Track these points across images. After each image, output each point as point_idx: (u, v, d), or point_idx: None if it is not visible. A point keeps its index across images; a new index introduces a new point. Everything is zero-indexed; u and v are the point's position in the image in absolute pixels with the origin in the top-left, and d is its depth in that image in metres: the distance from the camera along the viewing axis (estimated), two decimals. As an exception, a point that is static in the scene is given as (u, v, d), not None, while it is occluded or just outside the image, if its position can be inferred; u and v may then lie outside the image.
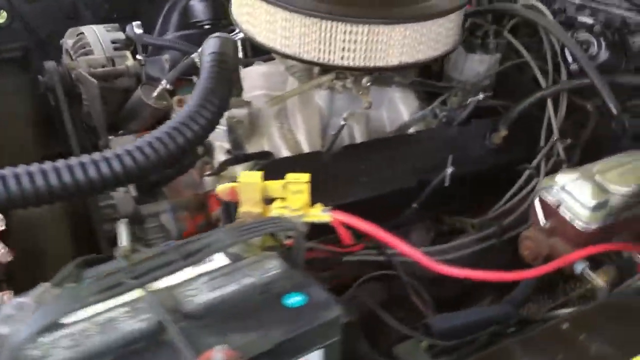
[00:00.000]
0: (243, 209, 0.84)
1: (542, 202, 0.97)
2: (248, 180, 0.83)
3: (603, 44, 1.20)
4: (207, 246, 0.69)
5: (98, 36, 1.40)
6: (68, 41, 1.43)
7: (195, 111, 0.96)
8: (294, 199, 0.83)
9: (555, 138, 1.23)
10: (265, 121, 1.27)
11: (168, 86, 1.33)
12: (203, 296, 0.71)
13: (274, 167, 1.10)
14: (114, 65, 1.38)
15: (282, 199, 0.83)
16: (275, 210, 0.81)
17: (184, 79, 1.39)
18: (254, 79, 1.36)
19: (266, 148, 1.24)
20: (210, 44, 1.11)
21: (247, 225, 0.73)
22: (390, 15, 1.08)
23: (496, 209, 1.23)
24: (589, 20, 1.27)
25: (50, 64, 1.35)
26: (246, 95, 1.32)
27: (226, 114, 1.22)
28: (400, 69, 1.17)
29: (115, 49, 1.39)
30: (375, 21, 1.06)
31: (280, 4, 1.08)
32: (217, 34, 1.15)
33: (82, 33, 1.41)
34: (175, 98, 1.34)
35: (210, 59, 1.07)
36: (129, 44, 1.40)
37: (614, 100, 1.10)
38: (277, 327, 0.70)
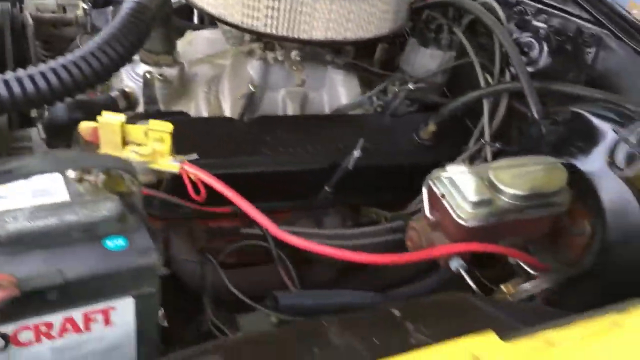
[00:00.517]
0: (102, 150, 0.82)
1: (430, 192, 0.92)
2: (108, 121, 0.80)
3: (546, 49, 1.15)
4: (11, 170, 0.67)
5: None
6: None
7: (89, 53, 0.94)
8: (153, 147, 0.81)
9: (484, 140, 1.17)
10: (195, 85, 1.25)
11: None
12: (18, 224, 0.70)
13: (183, 125, 1.08)
14: (64, 12, 1.38)
15: (143, 145, 0.81)
16: (125, 152, 0.79)
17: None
18: (198, 44, 1.35)
19: (192, 112, 1.23)
20: (134, -5, 1.10)
21: (73, 155, 0.71)
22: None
23: (415, 204, 1.19)
24: (542, 25, 1.21)
25: (3, 5, 1.36)
26: (189, 58, 1.31)
27: (154, 69, 1.21)
28: (328, 46, 1.14)
29: (68, -4, 1.39)
30: (299, -10, 1.04)
31: (206, -38, 1.06)
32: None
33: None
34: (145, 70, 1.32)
35: (128, 7, 1.05)
36: (83, -8, 1.40)
37: (537, 105, 1.04)
38: (79, 265, 0.68)
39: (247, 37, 1.20)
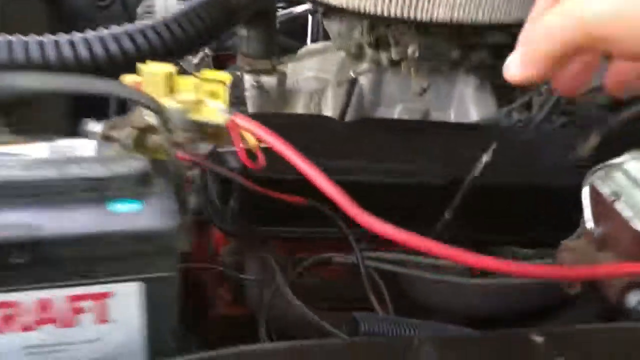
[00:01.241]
0: (146, 109, 0.63)
1: (594, 194, 0.63)
2: (152, 72, 0.62)
3: None
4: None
5: (165, 4, 1.33)
6: (138, 10, 1.39)
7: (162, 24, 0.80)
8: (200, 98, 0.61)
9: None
10: (295, 95, 1.07)
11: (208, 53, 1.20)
12: (9, 172, 0.52)
13: (269, 118, 0.88)
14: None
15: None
16: (165, 100, 0.59)
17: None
18: (306, 58, 1.18)
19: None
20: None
21: (71, 78, 0.53)
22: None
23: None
24: None
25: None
26: (297, 76, 1.14)
27: (249, 77, 1.05)
28: (454, 30, 0.91)
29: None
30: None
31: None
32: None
33: (153, 2, 1.36)
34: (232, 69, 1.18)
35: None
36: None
37: None
38: (65, 222, 0.48)
39: (357, 33, 1.00)
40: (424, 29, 0.95)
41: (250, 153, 0.57)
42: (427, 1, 0.86)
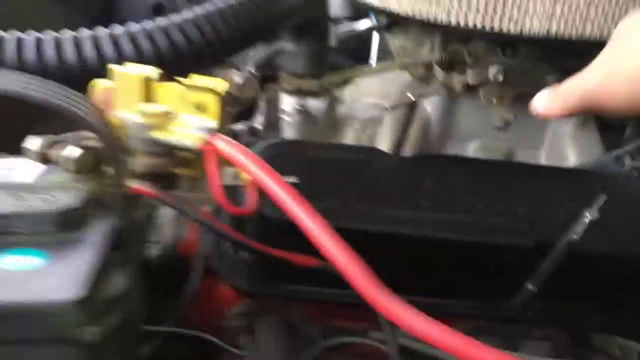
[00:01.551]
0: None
1: None
2: (125, 74, 0.46)
3: None
4: None
5: None
6: None
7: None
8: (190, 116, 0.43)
9: None
10: (346, 122, 0.89)
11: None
12: None
13: (295, 149, 0.70)
14: None
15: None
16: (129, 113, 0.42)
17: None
18: (367, 84, 0.99)
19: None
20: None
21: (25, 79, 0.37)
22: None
23: None
24: None
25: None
26: (358, 102, 0.96)
27: (295, 100, 0.88)
28: (553, 48, 0.70)
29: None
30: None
31: None
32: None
33: None
34: (270, 86, 1.01)
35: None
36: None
37: None
38: None
39: (426, 50, 0.81)
40: (511, 45, 0.74)
41: (230, 190, 0.39)
42: (517, 9, 0.66)
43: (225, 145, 0.38)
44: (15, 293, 0.31)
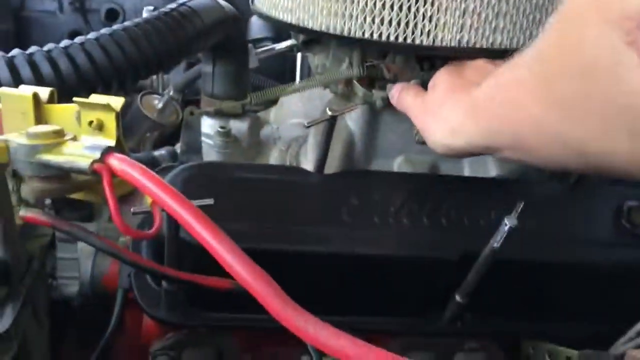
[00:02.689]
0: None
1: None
2: (13, 94, 0.42)
3: None
4: None
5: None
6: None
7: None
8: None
9: None
10: (269, 143, 0.87)
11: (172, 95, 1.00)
12: None
13: (216, 171, 0.68)
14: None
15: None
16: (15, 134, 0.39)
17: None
18: (292, 104, 0.98)
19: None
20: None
21: None
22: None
23: (629, 339, 0.64)
24: None
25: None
26: (283, 122, 0.95)
27: (216, 123, 0.86)
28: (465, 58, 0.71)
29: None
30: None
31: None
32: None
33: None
34: (188, 109, 0.99)
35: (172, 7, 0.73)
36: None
37: None
38: None
39: (345, 65, 0.80)
40: (428, 59, 0.75)
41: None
42: (429, 21, 0.66)
43: (120, 164, 0.36)
44: None
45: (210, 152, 0.83)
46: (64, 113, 0.42)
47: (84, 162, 0.37)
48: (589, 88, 0.40)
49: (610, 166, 0.43)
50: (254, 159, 0.86)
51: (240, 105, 0.85)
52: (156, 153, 0.88)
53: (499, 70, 0.54)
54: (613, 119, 0.39)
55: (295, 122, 0.94)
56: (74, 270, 0.79)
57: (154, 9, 0.85)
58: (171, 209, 0.35)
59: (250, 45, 0.91)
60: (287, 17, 0.74)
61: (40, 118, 0.42)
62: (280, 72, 1.16)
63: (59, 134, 0.38)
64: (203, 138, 0.85)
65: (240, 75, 0.87)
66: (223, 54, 0.85)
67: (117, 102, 0.41)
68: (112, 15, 1.47)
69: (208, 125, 0.84)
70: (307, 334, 0.33)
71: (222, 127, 0.84)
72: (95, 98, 0.41)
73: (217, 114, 0.86)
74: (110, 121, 0.40)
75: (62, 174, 0.38)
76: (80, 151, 0.37)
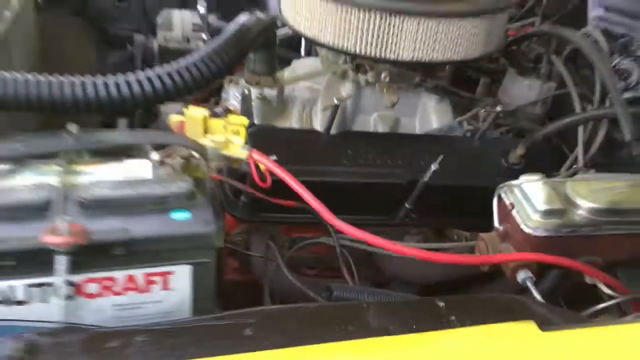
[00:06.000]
0: (187, 140, 0.90)
1: (500, 202, 0.90)
2: (193, 115, 0.89)
3: (645, 75, 1.10)
4: (101, 141, 0.77)
5: (181, 17, 1.57)
6: (158, 20, 1.62)
7: (192, 63, 1.04)
8: (228, 137, 0.88)
9: (576, 166, 1.13)
10: (291, 105, 1.33)
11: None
12: (102, 191, 0.78)
13: (267, 133, 1.16)
14: (188, 43, 1.53)
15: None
16: (203, 140, 0.86)
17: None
18: (299, 70, 1.43)
19: (286, 129, 1.30)
20: (238, 19, 1.20)
21: (154, 133, 0.79)
22: (405, 9, 1.09)
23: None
24: (648, 57, 1.16)
25: (138, 37, 1.55)
26: (290, 82, 1.39)
27: (255, 89, 1.31)
28: (415, 66, 1.17)
29: (194, 30, 1.55)
30: (388, 11, 1.08)
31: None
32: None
33: (171, 14, 1.59)
34: (228, 78, 1.44)
35: (232, 28, 1.16)
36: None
37: (629, 125, 0.99)
38: (144, 227, 0.75)
39: (341, 60, 1.26)
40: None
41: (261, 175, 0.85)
42: (394, 44, 1.11)
43: (257, 156, 0.83)
44: (181, 228, 0.75)
45: (255, 111, 1.28)
46: (217, 124, 0.88)
47: (243, 155, 0.83)
48: None
49: None
50: (281, 114, 1.32)
51: (273, 78, 1.30)
52: (217, 110, 1.34)
53: None
54: None
55: (302, 86, 1.40)
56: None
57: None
58: (280, 176, 0.83)
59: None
60: (290, 21, 1.18)
61: (205, 127, 0.88)
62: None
63: (226, 141, 0.85)
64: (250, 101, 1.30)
65: (272, 58, 1.31)
66: (262, 47, 1.28)
67: (244, 121, 0.87)
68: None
69: (252, 93, 1.29)
70: (335, 223, 0.81)
71: (259, 94, 1.29)
72: (233, 118, 0.87)
73: (257, 84, 1.30)
74: (242, 130, 0.86)
75: (227, 159, 0.85)
76: (238, 149, 0.84)
